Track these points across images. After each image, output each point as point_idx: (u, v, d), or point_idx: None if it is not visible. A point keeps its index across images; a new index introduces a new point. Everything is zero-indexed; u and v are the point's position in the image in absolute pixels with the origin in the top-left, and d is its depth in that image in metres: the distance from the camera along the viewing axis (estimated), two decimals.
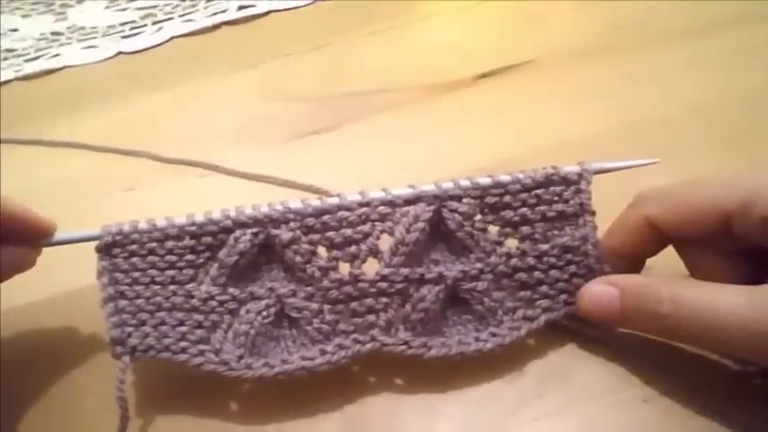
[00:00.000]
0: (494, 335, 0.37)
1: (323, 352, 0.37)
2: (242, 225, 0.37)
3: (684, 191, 0.36)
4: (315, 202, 0.38)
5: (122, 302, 0.37)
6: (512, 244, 0.38)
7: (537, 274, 0.38)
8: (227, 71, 0.65)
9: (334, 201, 0.38)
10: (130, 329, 0.37)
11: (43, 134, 0.58)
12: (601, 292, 0.36)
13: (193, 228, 0.37)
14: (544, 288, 0.38)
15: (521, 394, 0.37)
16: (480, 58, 0.62)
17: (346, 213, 0.38)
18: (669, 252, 0.38)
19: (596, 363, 0.38)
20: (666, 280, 0.35)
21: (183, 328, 0.37)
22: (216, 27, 0.73)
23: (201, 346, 0.37)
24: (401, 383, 0.38)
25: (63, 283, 0.44)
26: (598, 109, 0.54)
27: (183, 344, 0.37)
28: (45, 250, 0.39)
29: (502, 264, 0.38)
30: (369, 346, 0.37)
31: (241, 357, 0.36)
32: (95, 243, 0.37)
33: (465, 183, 0.38)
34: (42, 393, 0.39)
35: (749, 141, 0.50)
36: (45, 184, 0.54)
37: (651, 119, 0.53)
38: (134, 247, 0.37)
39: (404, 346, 0.37)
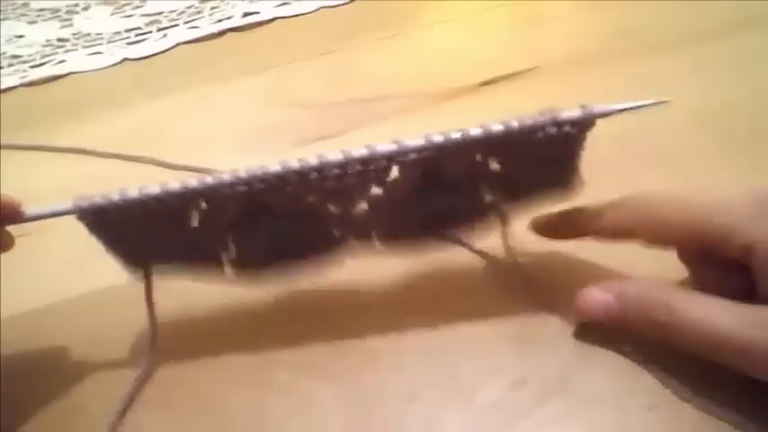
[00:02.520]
0: None
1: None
2: (223, 196, 0.35)
3: (665, 208, 0.36)
4: (294, 163, 0.35)
5: (122, 246, 0.37)
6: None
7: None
8: (232, 78, 0.66)
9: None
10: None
11: (48, 140, 0.59)
12: (597, 300, 0.36)
13: (170, 198, 0.36)
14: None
15: (523, 400, 0.36)
16: (483, 66, 0.62)
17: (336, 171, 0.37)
18: (669, 254, 0.38)
19: (600, 369, 0.37)
20: (664, 286, 0.35)
21: (193, 253, 0.38)
22: (221, 33, 0.73)
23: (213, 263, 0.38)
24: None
25: (63, 289, 0.44)
26: None
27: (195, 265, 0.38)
28: (47, 259, 0.39)
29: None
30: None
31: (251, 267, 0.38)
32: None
33: (456, 136, 0.36)
34: (43, 401, 0.39)
35: (754, 148, 0.49)
36: (49, 190, 0.53)
37: (655, 125, 0.53)
38: (116, 214, 0.36)
39: None
